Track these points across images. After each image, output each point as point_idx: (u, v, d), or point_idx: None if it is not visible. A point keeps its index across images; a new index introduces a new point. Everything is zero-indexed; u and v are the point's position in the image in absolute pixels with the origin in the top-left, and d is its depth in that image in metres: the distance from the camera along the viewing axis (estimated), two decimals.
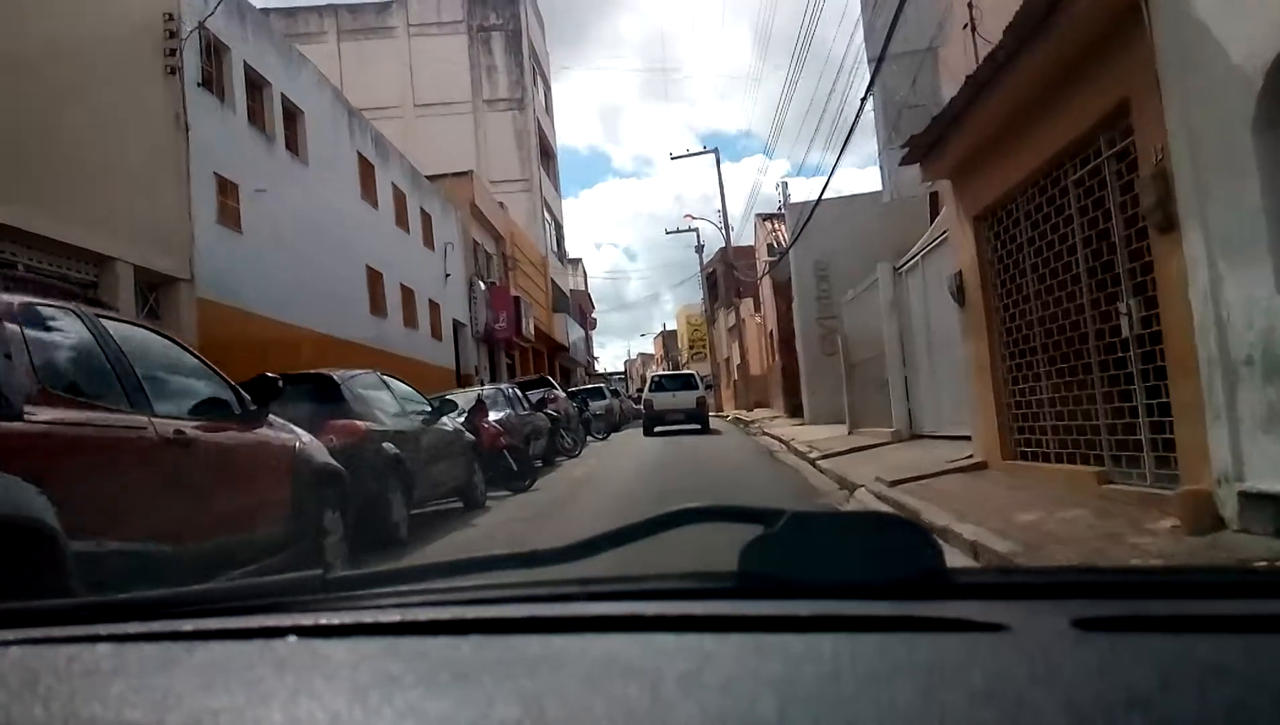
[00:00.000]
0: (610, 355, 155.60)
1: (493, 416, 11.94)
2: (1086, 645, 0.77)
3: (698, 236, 39.15)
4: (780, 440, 16.51)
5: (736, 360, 42.13)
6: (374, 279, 17.59)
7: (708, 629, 0.83)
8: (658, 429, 23.02)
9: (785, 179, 24.26)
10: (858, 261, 18.39)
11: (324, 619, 0.90)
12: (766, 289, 30.55)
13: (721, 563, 0.93)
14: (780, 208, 22.98)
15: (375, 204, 18.14)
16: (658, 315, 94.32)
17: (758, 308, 36.50)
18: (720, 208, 31.47)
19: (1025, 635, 0.80)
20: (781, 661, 0.75)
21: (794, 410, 24.52)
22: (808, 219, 19.32)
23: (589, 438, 20.49)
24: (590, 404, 24.26)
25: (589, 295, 48.48)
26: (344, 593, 1.03)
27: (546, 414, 15.54)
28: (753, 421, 26.60)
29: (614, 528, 0.96)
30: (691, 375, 29.00)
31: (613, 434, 24.20)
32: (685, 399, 25.60)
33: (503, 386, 14.68)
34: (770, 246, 26.02)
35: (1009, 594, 1.01)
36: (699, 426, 23.04)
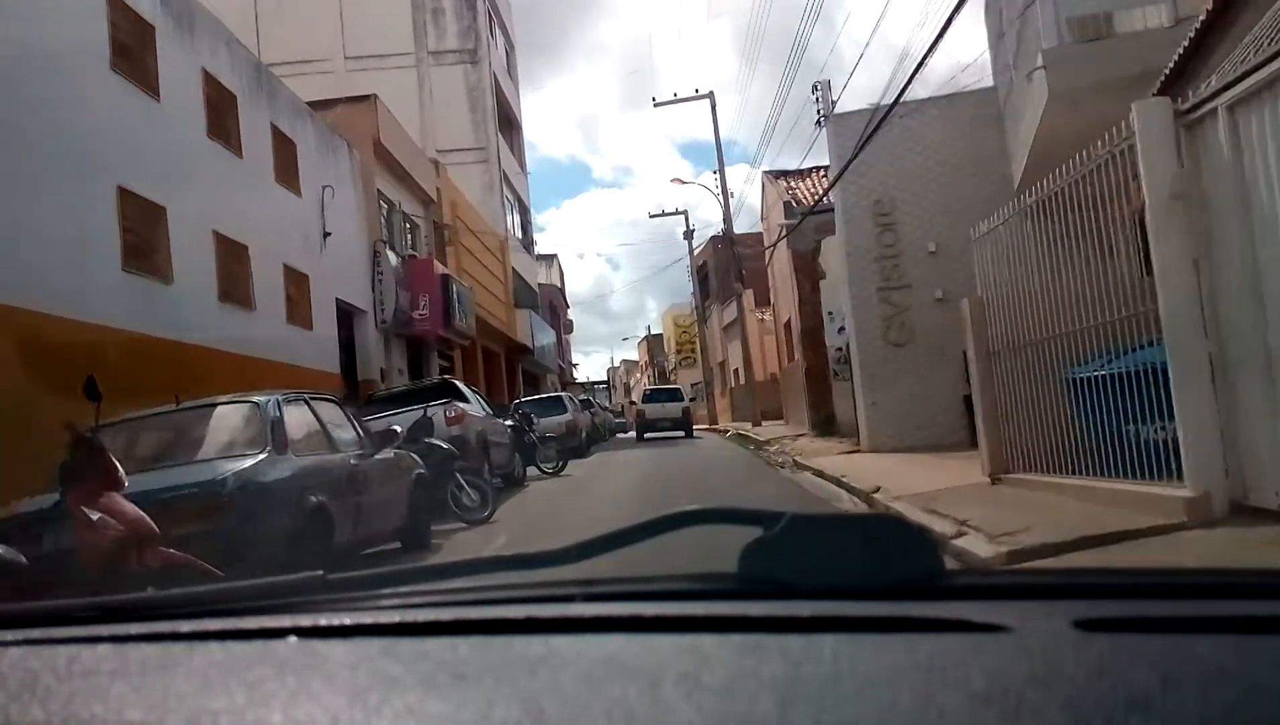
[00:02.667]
0: (596, 364, 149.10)
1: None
2: (1087, 646, 0.75)
3: (686, 220, 31.15)
4: (845, 486, 10.23)
5: (735, 363, 33.48)
6: (140, 215, 10.85)
7: (707, 630, 0.81)
8: (648, 435, 26.71)
9: (824, 79, 19.05)
10: (949, 197, 12.98)
11: (324, 620, 0.88)
12: (782, 264, 24.09)
13: (721, 565, 0.90)
14: (819, 118, 15.00)
15: (155, 93, 11.53)
16: (642, 325, 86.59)
17: (760, 302, 31.37)
18: (717, 170, 23.33)
19: (1026, 636, 0.77)
20: (781, 662, 0.73)
21: (824, 426, 19.44)
22: (875, 128, 12.36)
23: (538, 468, 15.34)
24: (539, 421, 17.95)
25: (563, 293, 40.00)
26: (344, 593, 0.99)
27: (431, 447, 9.43)
28: (769, 441, 20.19)
29: (614, 529, 0.93)
30: (678, 388, 32.97)
31: (576, 460, 18.35)
32: (673, 409, 28.20)
33: (258, 400, 7.00)
34: (789, 206, 15.76)
35: (1009, 595, 0.96)
36: (683, 432, 26.66)
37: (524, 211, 39.56)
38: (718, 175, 27.76)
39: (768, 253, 25.27)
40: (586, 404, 29.12)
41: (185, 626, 0.86)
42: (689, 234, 37.63)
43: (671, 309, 57.32)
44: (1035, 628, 0.77)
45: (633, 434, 32.06)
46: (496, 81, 33.27)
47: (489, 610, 0.89)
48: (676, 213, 37.98)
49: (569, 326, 51.67)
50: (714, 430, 33.88)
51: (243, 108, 13.69)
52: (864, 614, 0.79)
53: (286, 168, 15.03)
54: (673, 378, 55.03)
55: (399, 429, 10.03)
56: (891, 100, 12.32)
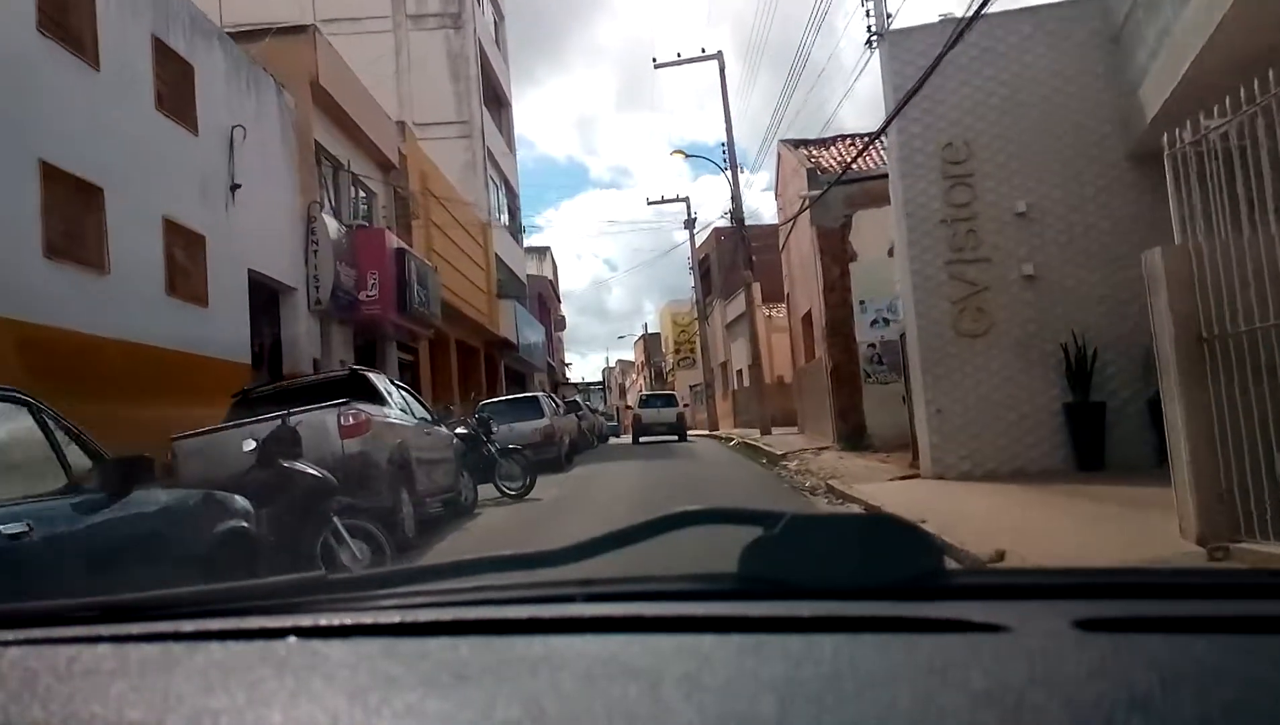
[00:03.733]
0: (592, 365, 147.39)
1: None
2: (1087, 646, 0.75)
3: (688, 206, 28.13)
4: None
5: (739, 364, 30.02)
6: None
7: (708, 630, 0.81)
8: (643, 439, 29.23)
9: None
10: (1045, 141, 10.26)
11: (324, 620, 0.87)
12: (803, 245, 19.96)
13: (721, 565, 0.90)
14: (870, 37, 11.47)
15: None
16: (639, 326, 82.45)
17: (769, 298, 29.49)
18: (725, 142, 19.54)
19: (1025, 636, 0.77)
20: (781, 662, 0.73)
21: (853, 438, 16.41)
22: (950, 46, 9.44)
23: (498, 489, 12.37)
24: (509, 427, 15.00)
25: (554, 286, 36.27)
26: (344, 593, 0.98)
27: (288, 476, 6.47)
28: (786, 455, 16.36)
29: (615, 529, 0.95)
30: (673, 395, 34.47)
31: (551, 476, 14.57)
32: (668, 414, 29.63)
33: None
34: (812, 174, 10.89)
35: (1009, 594, 0.96)
36: (677, 437, 28.75)
37: (512, 195, 36.46)
38: (725, 150, 24.22)
39: (781, 235, 21.89)
40: (573, 407, 25.70)
41: (185, 626, 0.88)
42: (690, 222, 34.27)
43: (670, 305, 54.08)
44: (1035, 628, 0.79)
45: (625, 439, 33.42)
46: (482, 51, 34.05)
47: (489, 610, 0.91)
48: (677, 200, 34.71)
49: (561, 323, 48.73)
50: (714, 437, 30.69)
51: (104, 7, 10.08)
52: (864, 614, 0.81)
53: (177, 96, 12.25)
54: (670, 378, 53.65)
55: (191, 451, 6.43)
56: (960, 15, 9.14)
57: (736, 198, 24.81)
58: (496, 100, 35.86)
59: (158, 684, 0.74)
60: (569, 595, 0.90)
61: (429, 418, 11.07)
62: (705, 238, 42.33)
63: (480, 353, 29.18)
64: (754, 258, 27.43)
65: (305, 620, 0.85)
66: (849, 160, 18.32)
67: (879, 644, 0.74)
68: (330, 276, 15.60)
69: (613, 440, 37.46)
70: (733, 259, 35.98)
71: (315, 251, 15.45)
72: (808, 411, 22.92)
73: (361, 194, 19.58)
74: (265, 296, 14.52)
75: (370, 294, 16.85)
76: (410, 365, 22.39)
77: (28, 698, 0.71)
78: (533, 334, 35.33)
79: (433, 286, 20.22)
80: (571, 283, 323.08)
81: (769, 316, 31.68)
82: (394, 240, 18.62)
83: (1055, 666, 0.69)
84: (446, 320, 23.03)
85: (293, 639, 0.82)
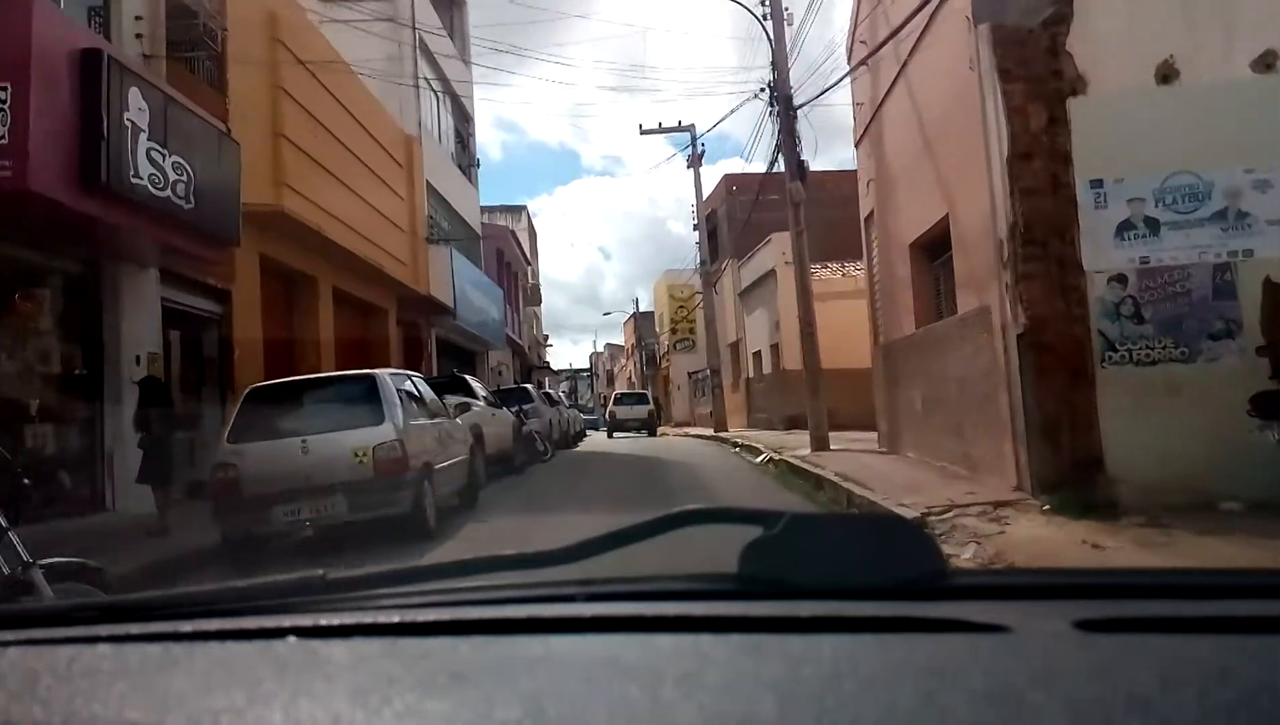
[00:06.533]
0: (584, 354, 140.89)
1: None
2: (1087, 646, 0.75)
3: (693, 139, 17.19)
4: None
5: (759, 344, 19.07)
6: None
7: (707, 630, 0.81)
8: (617, 434, 31.53)
9: None
10: None
11: (324, 620, 0.87)
12: (935, 94, 9.29)
13: (721, 565, 0.89)
14: None
15: None
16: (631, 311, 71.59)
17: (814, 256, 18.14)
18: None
19: (1026, 636, 0.77)
20: (781, 662, 0.72)
21: (1073, 478, 6.87)
22: None
23: None
24: (301, 447, 7.24)
25: (520, 243, 25.43)
26: (344, 593, 0.96)
27: None
28: (929, 512, 6.87)
29: (615, 529, 0.94)
30: (645, 393, 37.48)
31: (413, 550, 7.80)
32: (639, 411, 32.45)
33: None
34: None
35: (1010, 595, 0.94)
36: (647, 432, 31.68)
37: (462, 116, 26.73)
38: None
39: (858, 114, 12.37)
40: (519, 396, 16.43)
41: (185, 626, 0.87)
42: (696, 159, 25.01)
43: (666, 276, 44.67)
44: (1035, 628, 0.78)
45: (601, 437, 32.93)
46: None
47: (489, 610, 0.91)
48: (679, 129, 25.54)
49: (534, 295, 38.91)
50: (723, 441, 21.09)
51: None
52: (864, 614, 0.81)
53: None
54: (664, 364, 43.41)
55: None
56: None
57: (780, 64, 14.46)
58: None
59: (158, 684, 0.72)
60: (569, 595, 0.88)
61: None
62: (713, 190, 33.71)
63: (388, 315, 19.73)
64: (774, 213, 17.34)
65: (305, 620, 0.84)
66: None
67: (879, 644, 0.73)
68: None
69: (591, 434, 32.78)
70: (748, 214, 26.76)
71: None
72: (904, 415, 12.28)
73: None
74: None
75: None
76: (215, 322, 12.25)
77: (28, 698, 0.70)
78: (484, 299, 26.01)
79: (222, 167, 10.26)
80: (564, 271, 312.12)
81: (813, 277, 21.86)
82: (62, 26, 8.08)
83: (1055, 666, 0.67)
84: (320, 256, 15.06)
85: (293, 639, 0.81)
